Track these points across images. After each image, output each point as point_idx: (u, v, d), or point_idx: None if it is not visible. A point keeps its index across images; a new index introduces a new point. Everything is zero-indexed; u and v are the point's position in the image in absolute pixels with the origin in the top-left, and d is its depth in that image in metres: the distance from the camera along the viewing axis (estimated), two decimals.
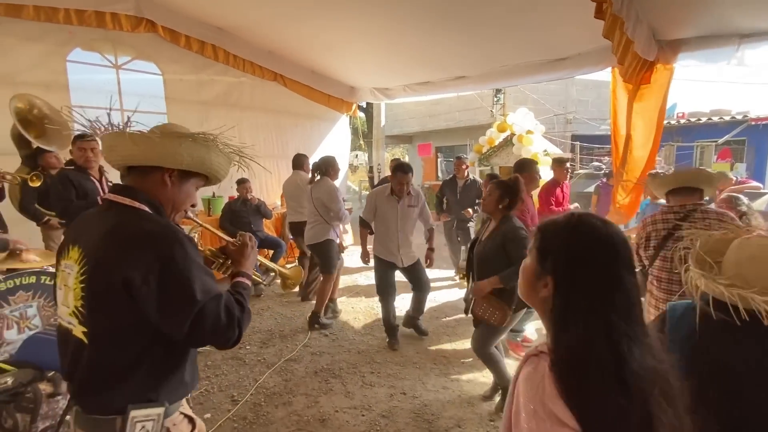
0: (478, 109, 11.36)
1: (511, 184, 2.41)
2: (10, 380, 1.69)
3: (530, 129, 7.67)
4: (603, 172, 6.55)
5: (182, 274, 1.00)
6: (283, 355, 3.26)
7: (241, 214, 5.09)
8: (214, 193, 5.57)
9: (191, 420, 1.21)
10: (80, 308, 1.01)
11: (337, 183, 4.18)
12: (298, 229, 4.42)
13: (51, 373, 1.75)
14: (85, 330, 1.00)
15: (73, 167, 3.16)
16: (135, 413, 0.99)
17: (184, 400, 1.19)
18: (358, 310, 4.35)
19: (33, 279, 2.06)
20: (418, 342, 3.55)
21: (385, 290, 3.46)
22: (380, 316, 3.60)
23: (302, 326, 3.86)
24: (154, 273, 0.97)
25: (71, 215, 2.89)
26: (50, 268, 2.17)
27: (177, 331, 1.00)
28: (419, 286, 3.50)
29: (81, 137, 3.23)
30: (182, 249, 1.02)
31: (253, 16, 5.07)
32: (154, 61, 5.39)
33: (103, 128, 1.14)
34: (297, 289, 4.63)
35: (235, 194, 5.36)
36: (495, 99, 11.01)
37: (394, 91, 7.02)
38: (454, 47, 5.01)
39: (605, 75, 6.00)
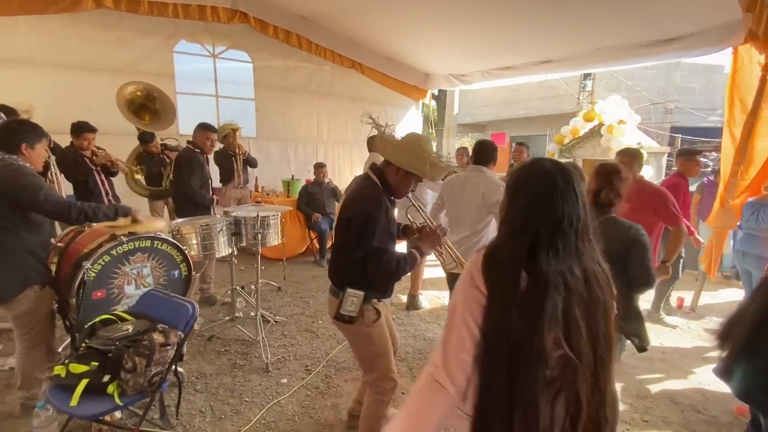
0: (562, 97, 10.54)
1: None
2: (130, 328, 1.97)
3: (622, 119, 6.95)
4: (711, 168, 5.75)
5: (371, 226, 1.66)
6: None
7: (317, 196, 5.32)
8: (293, 176, 5.90)
9: (378, 312, 1.81)
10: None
11: None
12: None
13: (161, 326, 2.01)
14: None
15: (198, 151, 3.63)
16: (349, 290, 1.72)
17: (381, 300, 1.84)
18: (424, 298, 4.35)
19: (148, 243, 2.37)
20: None
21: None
22: (446, 305, 3.57)
23: None
24: (358, 220, 1.68)
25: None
26: (162, 233, 2.47)
27: (365, 259, 1.68)
28: None
29: (210, 129, 3.63)
30: (378, 213, 1.68)
31: (335, 4, 5.20)
32: (245, 50, 5.80)
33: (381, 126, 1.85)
34: None
35: (312, 177, 5.62)
36: (582, 85, 10.12)
37: (471, 77, 6.79)
38: (540, 28, 4.68)
39: (719, 58, 5.20)
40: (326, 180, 5.43)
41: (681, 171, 3.71)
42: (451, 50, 6.04)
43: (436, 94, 9.80)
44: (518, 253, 0.90)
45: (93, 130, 3.47)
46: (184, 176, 3.54)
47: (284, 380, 2.69)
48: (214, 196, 3.85)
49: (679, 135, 9.63)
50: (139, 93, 4.36)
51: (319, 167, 5.37)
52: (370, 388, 1.90)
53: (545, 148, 9.44)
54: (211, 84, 5.69)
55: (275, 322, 3.52)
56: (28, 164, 2.10)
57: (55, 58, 4.54)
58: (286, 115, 6.34)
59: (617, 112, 7.15)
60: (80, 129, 3.42)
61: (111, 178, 3.72)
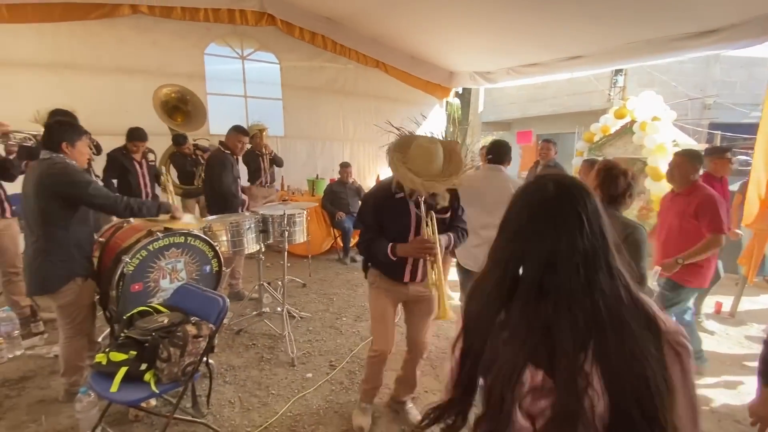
0: (591, 93, 10.24)
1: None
2: (165, 320, 2.06)
3: (656, 115, 6.67)
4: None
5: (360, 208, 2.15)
6: None
7: (341, 195, 5.38)
8: (317, 175, 5.98)
9: (376, 279, 2.15)
10: None
11: None
12: None
13: (194, 318, 2.09)
14: None
15: (228, 152, 3.78)
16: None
17: (387, 276, 2.12)
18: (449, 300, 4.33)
19: (182, 239, 2.47)
20: None
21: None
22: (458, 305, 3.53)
23: None
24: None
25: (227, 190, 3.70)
26: (195, 230, 2.57)
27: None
28: None
29: (243, 132, 3.77)
30: (368, 198, 2.11)
31: (359, 4, 5.23)
32: (273, 51, 5.93)
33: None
34: None
35: (336, 176, 5.68)
36: (613, 81, 9.79)
37: (496, 74, 6.69)
38: (569, 23, 4.55)
39: (762, 50, 4.89)
40: (351, 179, 5.49)
41: (710, 171, 3.45)
42: (476, 47, 5.97)
43: (460, 92, 9.71)
44: (494, 289, 0.81)
45: (143, 139, 3.91)
46: (217, 176, 3.67)
47: (309, 375, 2.75)
48: (245, 197, 3.99)
49: (719, 132, 9.16)
50: (173, 95, 4.54)
51: (345, 167, 5.43)
52: None
53: (573, 146, 9.18)
54: (240, 85, 5.85)
55: (300, 317, 3.59)
56: (74, 161, 2.23)
57: (95, 61, 4.78)
58: (312, 114, 6.44)
59: (651, 108, 6.86)
60: (131, 136, 3.88)
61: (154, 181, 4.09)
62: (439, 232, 1.92)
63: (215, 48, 5.55)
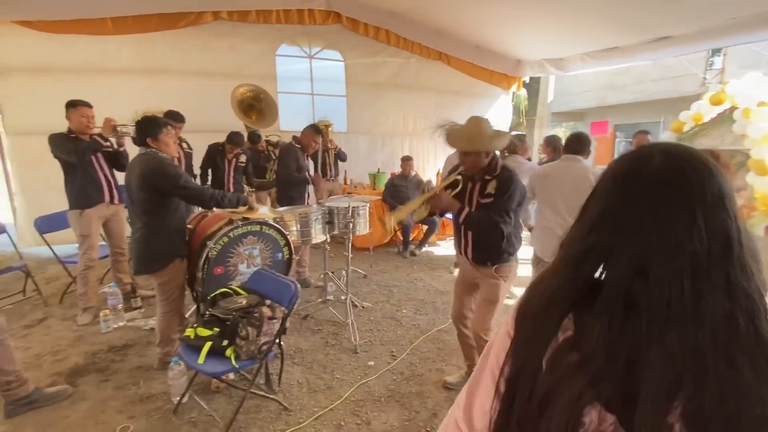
0: (682, 77, 9.18)
1: None
2: (244, 301, 2.24)
3: (763, 100, 5.80)
4: None
5: None
6: (435, 325, 3.41)
7: (401, 188, 5.41)
8: (378, 169, 6.07)
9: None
10: None
11: None
12: None
13: (268, 301, 2.25)
14: None
15: (299, 147, 4.03)
16: None
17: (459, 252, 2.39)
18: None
19: (258, 227, 2.67)
20: None
21: None
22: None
23: (451, 300, 3.94)
24: None
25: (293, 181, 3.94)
26: (270, 220, 2.75)
27: None
28: None
29: (318, 132, 4.05)
30: None
31: None
32: (338, 49, 6.09)
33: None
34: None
35: (396, 170, 5.72)
36: (709, 63, 8.69)
37: (568, 61, 6.27)
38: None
39: None
40: (412, 173, 5.49)
41: None
42: (547, 32, 5.62)
43: (527, 81, 9.24)
44: (559, 292, 0.61)
45: (238, 144, 4.29)
46: (286, 167, 3.90)
47: (371, 363, 2.82)
48: (311, 185, 4.20)
49: None
50: (248, 94, 4.87)
51: (406, 160, 5.45)
52: None
53: (657, 138, 8.32)
54: (307, 83, 6.11)
55: (362, 307, 3.69)
56: (164, 154, 2.47)
57: (182, 66, 5.27)
58: (374, 109, 6.54)
59: (756, 92, 5.98)
60: (228, 139, 4.27)
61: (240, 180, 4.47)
62: (478, 214, 2.14)
63: (285, 48, 5.84)
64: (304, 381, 2.60)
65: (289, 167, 3.89)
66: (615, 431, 0.54)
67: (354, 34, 5.87)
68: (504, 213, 2.10)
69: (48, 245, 3.56)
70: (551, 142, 4.41)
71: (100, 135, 3.19)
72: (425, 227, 5.57)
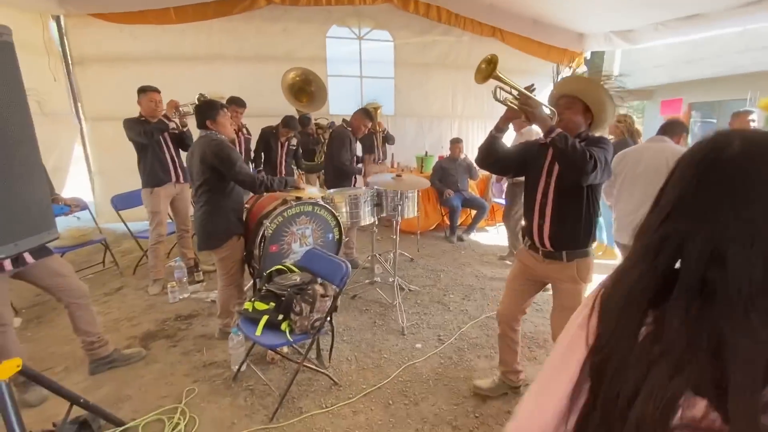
0: None
1: None
2: (298, 278, 2.32)
3: None
4: None
5: None
6: (484, 311, 3.34)
7: (450, 171, 5.29)
8: (426, 152, 5.97)
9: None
10: None
11: None
12: None
13: (320, 279, 2.31)
14: None
15: (350, 129, 4.05)
16: None
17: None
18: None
19: (310, 208, 2.74)
20: None
21: None
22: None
23: (501, 287, 3.83)
24: None
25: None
26: (321, 201, 2.81)
27: None
28: None
29: (370, 117, 4.05)
30: None
31: None
32: (387, 29, 5.99)
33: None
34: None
35: (444, 153, 5.59)
36: None
37: (639, 33, 5.70)
38: None
39: None
40: (462, 156, 5.34)
41: None
42: (616, 1, 5.13)
43: (588, 57, 8.57)
44: (637, 286, 0.59)
45: (292, 127, 4.32)
46: (336, 149, 3.93)
47: (418, 345, 2.83)
48: (360, 165, 4.22)
49: None
50: (298, 78, 4.94)
51: (456, 142, 5.29)
52: None
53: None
54: (356, 65, 6.08)
55: (409, 290, 3.70)
56: (223, 135, 2.58)
57: (237, 52, 5.45)
58: (422, 91, 6.40)
59: None
60: (283, 122, 4.30)
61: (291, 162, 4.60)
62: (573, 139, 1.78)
63: (335, 30, 5.83)
64: (353, 358, 2.67)
65: (341, 155, 3.91)
66: (707, 415, 0.53)
67: (404, 12, 5.72)
68: (596, 159, 1.68)
69: (123, 221, 3.90)
70: (622, 121, 4.14)
71: (165, 116, 3.41)
72: (473, 212, 5.43)
